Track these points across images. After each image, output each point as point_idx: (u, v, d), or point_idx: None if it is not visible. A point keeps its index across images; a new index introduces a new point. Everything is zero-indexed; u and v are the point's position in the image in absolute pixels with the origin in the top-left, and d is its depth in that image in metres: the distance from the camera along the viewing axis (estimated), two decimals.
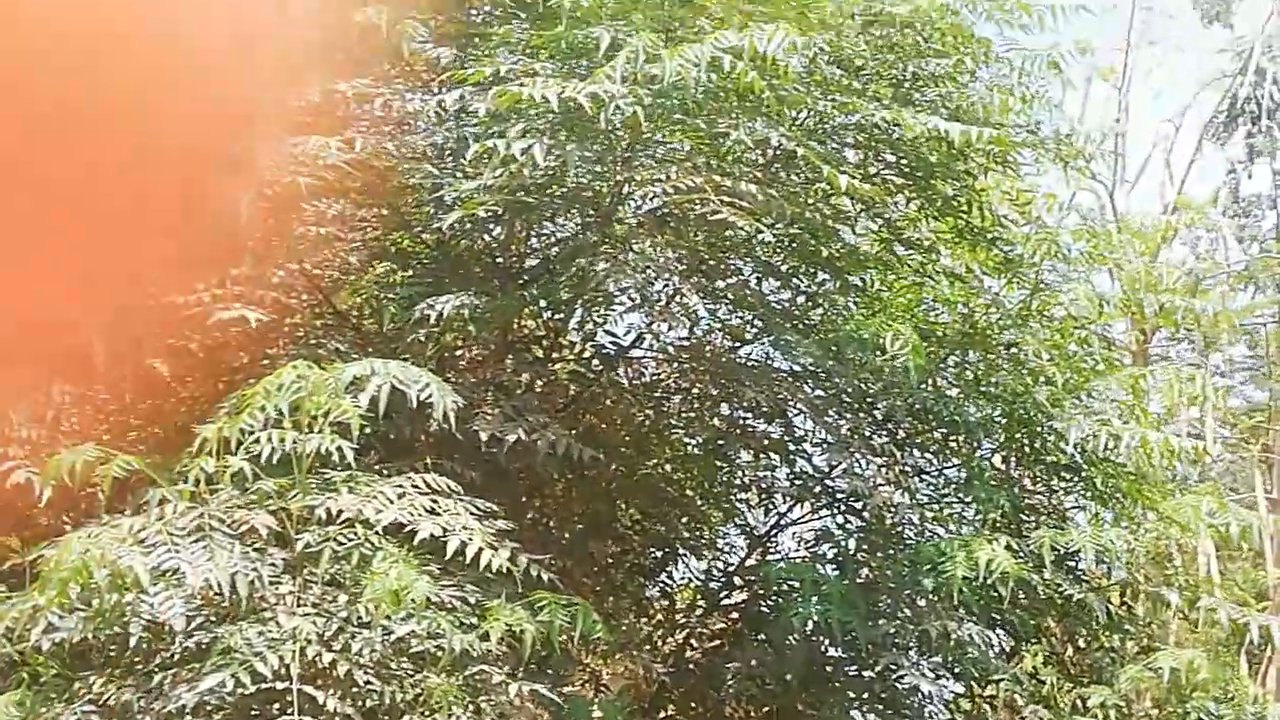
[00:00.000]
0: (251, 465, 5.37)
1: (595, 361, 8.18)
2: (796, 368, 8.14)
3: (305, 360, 5.54)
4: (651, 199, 7.25)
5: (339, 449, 5.37)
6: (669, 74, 6.02)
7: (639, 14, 6.58)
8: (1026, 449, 7.96)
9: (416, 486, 5.61)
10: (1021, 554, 6.78)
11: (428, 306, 6.59)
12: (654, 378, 8.48)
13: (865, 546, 7.64)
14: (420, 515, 5.41)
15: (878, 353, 7.31)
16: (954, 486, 7.96)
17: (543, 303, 7.81)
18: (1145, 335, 15.78)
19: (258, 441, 5.33)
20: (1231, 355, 20.43)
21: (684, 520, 8.44)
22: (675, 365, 8.32)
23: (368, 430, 5.48)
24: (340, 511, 5.40)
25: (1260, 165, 20.41)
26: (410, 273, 7.58)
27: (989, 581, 6.43)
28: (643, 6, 6.73)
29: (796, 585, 7.06)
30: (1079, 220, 9.41)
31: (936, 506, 7.88)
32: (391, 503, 5.46)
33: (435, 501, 5.51)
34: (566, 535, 7.82)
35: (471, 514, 5.60)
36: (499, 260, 7.70)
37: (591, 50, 6.34)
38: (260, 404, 5.28)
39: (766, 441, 8.23)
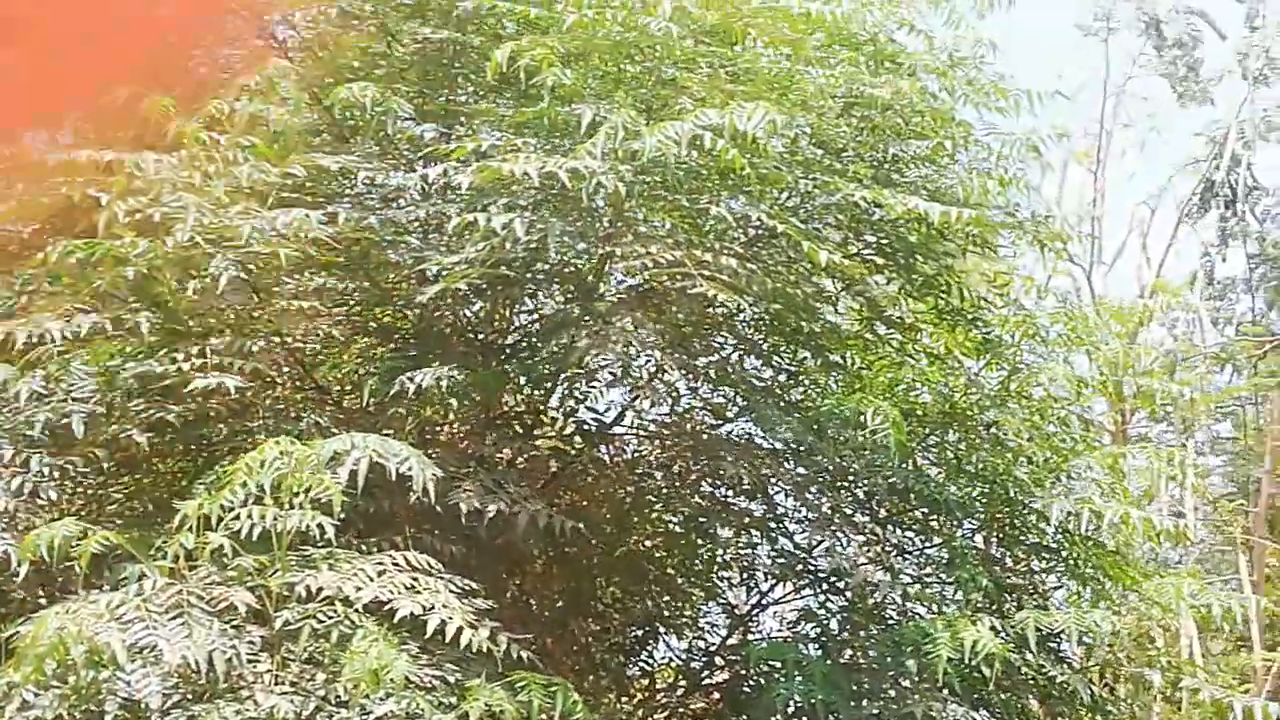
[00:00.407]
0: (231, 541, 5.33)
1: (576, 437, 8.14)
2: (778, 445, 8.13)
3: (287, 435, 5.53)
4: (633, 274, 7.28)
5: (319, 525, 5.34)
6: (650, 150, 6.07)
7: (621, 92, 6.65)
8: (1008, 528, 7.96)
9: (397, 563, 5.57)
10: (1004, 634, 6.73)
11: (408, 380, 6.55)
12: (635, 454, 8.46)
13: (848, 626, 7.60)
14: (400, 593, 5.36)
15: (859, 430, 7.32)
16: (936, 566, 7.93)
17: (524, 378, 7.81)
18: (1124, 416, 15.85)
19: (238, 518, 5.30)
20: (1214, 435, 20.53)
21: (665, 598, 8.39)
22: (657, 442, 8.31)
23: (348, 505, 5.45)
24: (320, 589, 5.35)
25: (1235, 248, 20.69)
26: (392, 347, 7.57)
27: (973, 663, 6.39)
28: (625, 85, 6.80)
29: (779, 665, 7.01)
30: (1057, 302, 9.42)
31: (919, 586, 7.84)
32: (371, 580, 5.42)
33: (415, 579, 5.46)
34: (546, 613, 7.76)
35: (452, 591, 5.56)
36: (481, 335, 7.70)
37: (574, 128, 6.39)
38: (242, 480, 5.25)
39: (748, 519, 8.20)
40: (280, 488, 5.32)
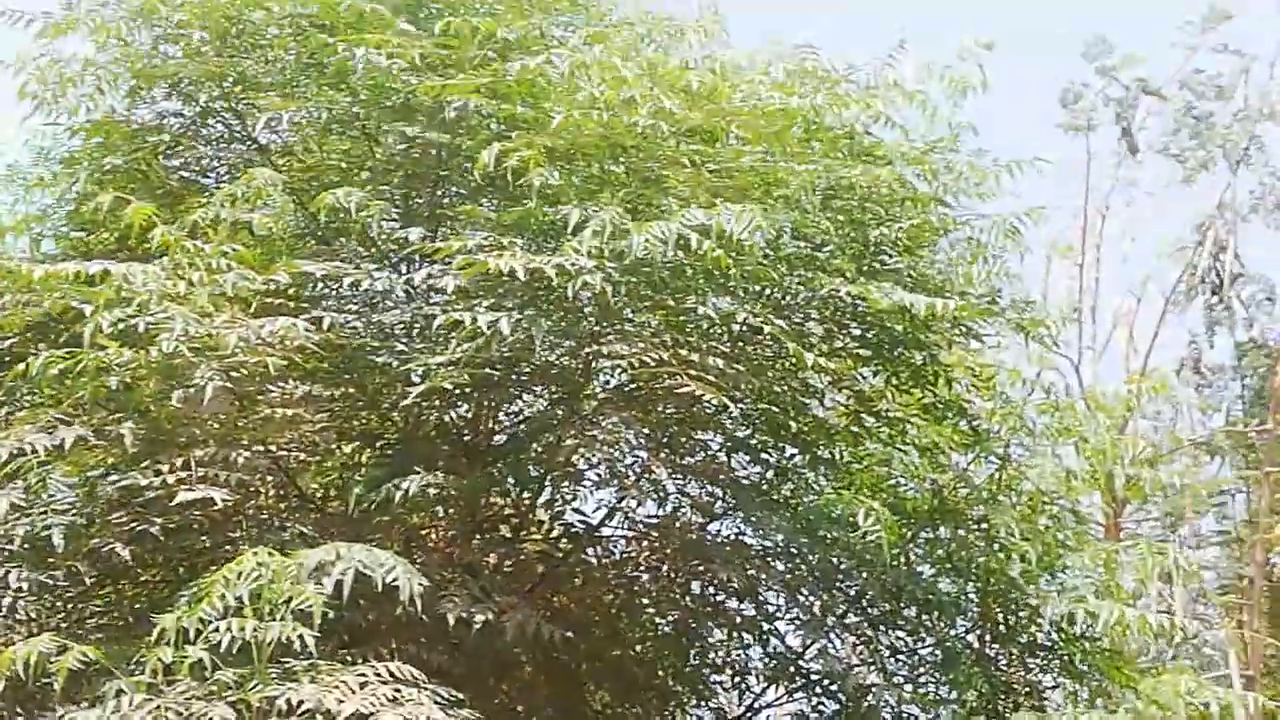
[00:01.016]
0: (211, 655, 5.23)
1: (564, 540, 8.06)
2: (768, 544, 8.05)
3: (267, 546, 5.47)
4: (619, 374, 7.26)
5: (300, 637, 5.25)
6: (636, 249, 6.08)
7: (606, 193, 6.66)
8: (1002, 627, 7.86)
9: (379, 675, 5.46)
10: None
11: (394, 487, 6.49)
12: (624, 556, 8.37)
13: None
14: (383, 705, 5.25)
15: (849, 529, 7.25)
16: (930, 666, 7.82)
17: (511, 480, 7.74)
18: (1116, 509, 15.79)
19: (217, 630, 5.21)
20: (1200, 528, 20.45)
21: (656, 703, 8.24)
22: (645, 543, 8.22)
23: (331, 616, 5.36)
24: (301, 702, 5.24)
25: (1222, 334, 20.75)
26: (377, 453, 7.51)
27: None
28: (610, 185, 6.82)
29: None
30: (1043, 394, 9.39)
31: (913, 688, 7.73)
32: (354, 692, 5.31)
33: (399, 690, 5.36)
34: None
35: (436, 702, 5.45)
36: (467, 438, 7.64)
37: (560, 228, 6.39)
38: (220, 592, 5.17)
39: (739, 620, 8.10)
40: (260, 599, 5.23)
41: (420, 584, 5.56)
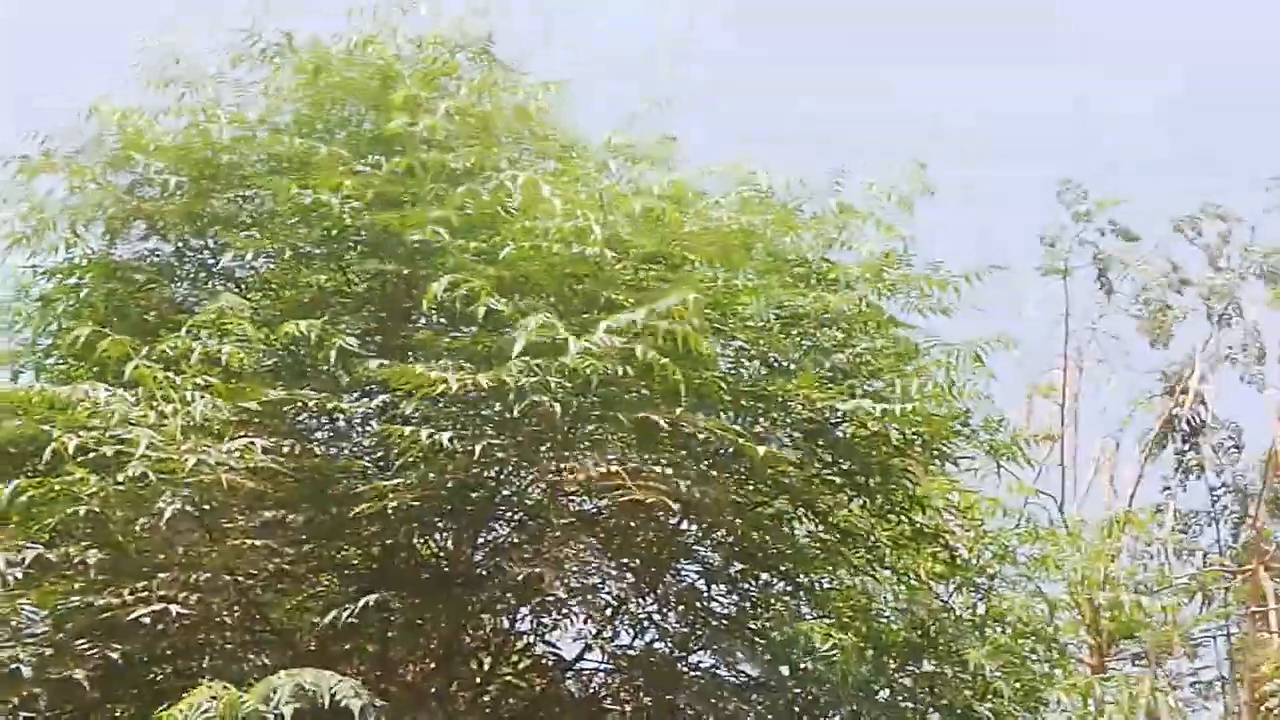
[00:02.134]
0: None
1: (535, 674, 7.95)
2: (744, 676, 7.95)
3: (229, 678, 5.45)
4: (585, 501, 7.26)
5: None
6: (573, 359, 6.14)
7: (558, 318, 6.72)
8: None
9: None
10: None
11: (354, 606, 6.44)
12: (600, 689, 8.25)
13: None
14: None
15: (824, 661, 7.17)
16: None
17: (482, 610, 7.67)
18: (1101, 648, 15.61)
19: None
20: (1179, 670, 20.21)
21: None
22: (621, 675, 8.10)
23: None
24: None
25: (1197, 481, 20.82)
26: (344, 582, 7.45)
27: None
28: (562, 311, 6.89)
29: None
30: (1025, 523, 9.36)
31: None
32: None
33: None
34: None
35: None
36: (442, 567, 7.60)
37: (508, 351, 6.44)
38: None
39: None
40: None
41: (372, 703, 5.50)
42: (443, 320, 7.40)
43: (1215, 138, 24.12)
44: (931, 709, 7.82)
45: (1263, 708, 17.96)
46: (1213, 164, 20.27)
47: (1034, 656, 8.39)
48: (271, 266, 7.97)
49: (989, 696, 7.78)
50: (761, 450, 6.67)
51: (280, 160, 7.79)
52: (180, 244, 8.12)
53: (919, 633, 8.11)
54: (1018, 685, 8.06)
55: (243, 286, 8.07)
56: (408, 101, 7.63)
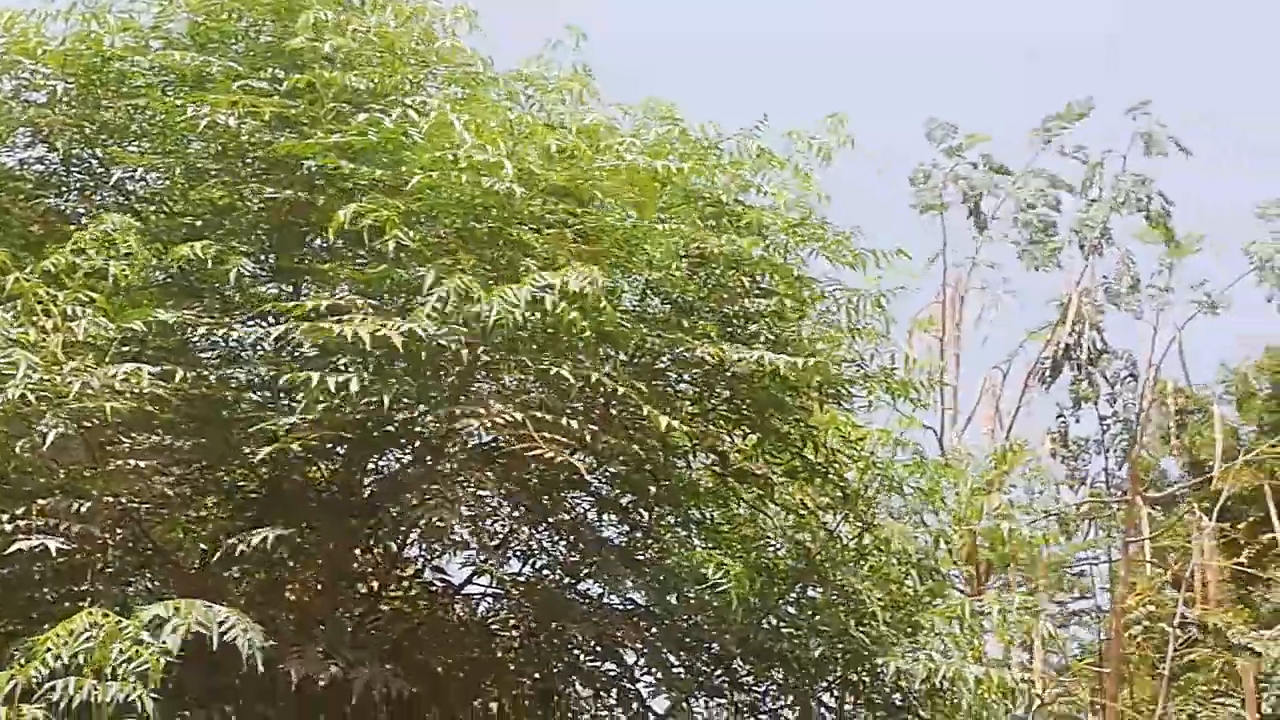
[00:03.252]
0: (47, 714, 5.10)
1: (425, 598, 7.98)
2: (632, 604, 8.05)
3: (113, 601, 5.36)
4: (481, 434, 7.23)
5: (140, 697, 5.14)
6: (492, 313, 6.07)
7: (464, 251, 6.65)
8: (860, 687, 7.91)
9: None
10: None
11: (244, 541, 6.38)
12: (487, 614, 8.31)
13: None
14: None
15: (711, 589, 7.28)
16: None
17: (373, 537, 7.65)
18: (980, 577, 16.03)
19: (54, 689, 5.08)
20: (1062, 599, 20.83)
21: None
22: (509, 602, 8.17)
23: (174, 674, 5.26)
24: None
25: (1088, 410, 21.24)
26: (233, 507, 7.38)
27: None
28: (471, 245, 6.81)
29: None
30: (912, 456, 9.51)
31: None
32: None
33: None
34: None
35: None
36: (332, 493, 7.54)
37: (418, 288, 6.36)
38: (52, 651, 5.06)
39: (602, 680, 8.06)
40: (95, 658, 5.12)
41: (263, 643, 5.47)
42: (342, 247, 7.26)
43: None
44: (812, 634, 7.96)
45: (1131, 634, 18.65)
46: (1147, 100, 20.28)
47: (911, 582, 8.54)
48: (163, 182, 7.74)
49: (867, 621, 7.93)
50: (664, 422, 6.64)
51: (173, 72, 7.55)
52: (68, 154, 7.85)
53: (804, 561, 8.24)
54: (895, 610, 8.23)
55: (132, 199, 7.84)
56: (316, 25, 7.39)
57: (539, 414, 6.49)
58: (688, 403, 7.89)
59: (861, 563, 8.38)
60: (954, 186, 19.54)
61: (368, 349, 6.21)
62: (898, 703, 7.99)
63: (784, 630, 8.06)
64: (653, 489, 8.03)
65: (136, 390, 6.16)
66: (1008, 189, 19.45)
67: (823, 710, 7.86)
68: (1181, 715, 18.70)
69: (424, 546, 8.00)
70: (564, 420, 6.54)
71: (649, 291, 7.76)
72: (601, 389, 7.01)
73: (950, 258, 19.34)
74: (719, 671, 8.02)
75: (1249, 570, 20.66)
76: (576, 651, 8.06)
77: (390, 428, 7.16)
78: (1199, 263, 20.03)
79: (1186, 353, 20.15)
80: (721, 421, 8.07)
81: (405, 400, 6.82)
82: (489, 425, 6.74)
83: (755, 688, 8.15)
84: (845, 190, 8.73)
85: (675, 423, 6.78)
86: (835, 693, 8.13)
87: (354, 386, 6.17)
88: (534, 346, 6.80)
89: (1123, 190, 19.71)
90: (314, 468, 7.55)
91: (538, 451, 6.40)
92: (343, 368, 6.41)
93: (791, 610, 8.30)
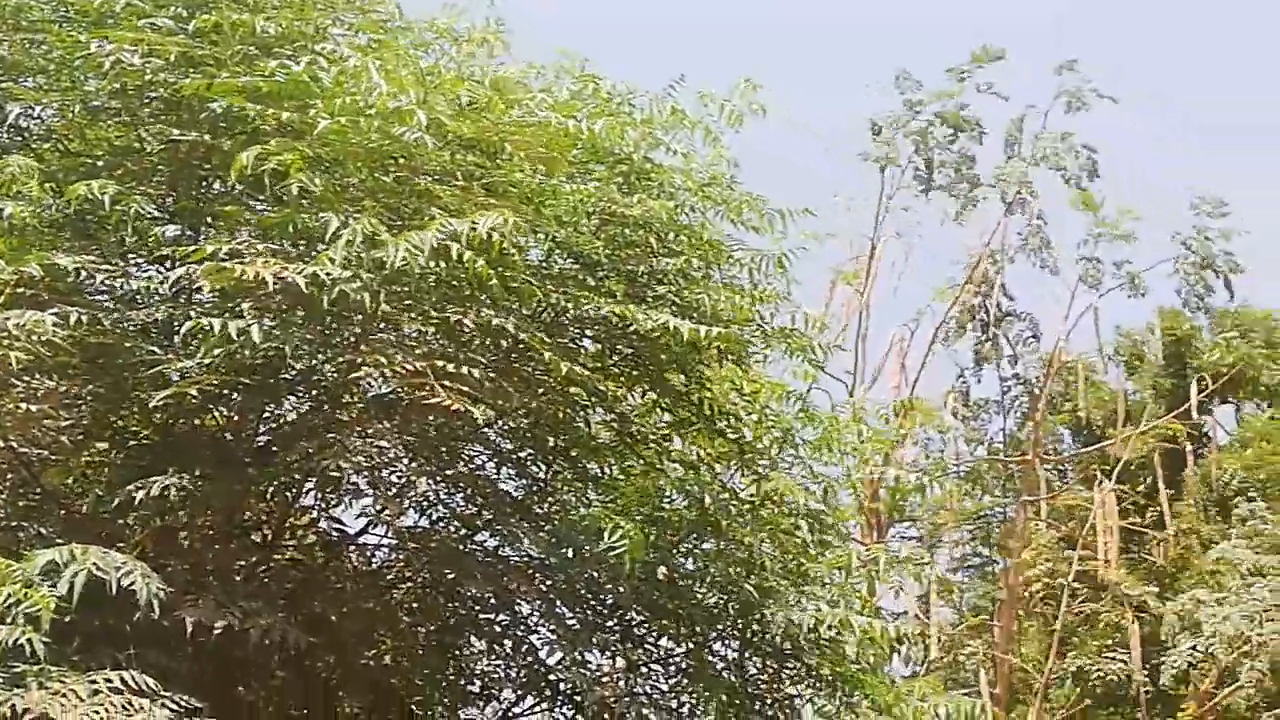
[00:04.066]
0: None
1: (319, 548, 7.97)
2: (528, 557, 8.10)
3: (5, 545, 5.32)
4: (381, 384, 7.21)
5: (30, 641, 5.11)
6: (394, 259, 6.04)
7: (370, 200, 6.61)
8: (751, 637, 8.04)
9: (111, 682, 5.33)
10: None
11: (139, 487, 6.33)
12: (383, 565, 8.32)
13: None
14: (113, 712, 5.13)
15: (604, 544, 7.34)
16: (681, 677, 7.97)
17: (269, 486, 7.62)
18: (878, 530, 16.32)
19: None
20: (963, 554, 21.25)
21: (409, 713, 8.20)
22: (405, 553, 8.18)
23: (66, 620, 5.23)
24: (25, 710, 5.09)
25: (989, 370, 21.60)
26: (127, 453, 7.30)
27: None
28: (378, 194, 6.77)
29: None
30: (805, 408, 9.61)
31: (660, 697, 7.86)
32: (82, 700, 5.18)
33: (130, 700, 5.24)
34: None
35: (173, 710, 5.35)
36: (227, 441, 7.49)
37: (322, 234, 6.32)
38: None
39: (496, 632, 8.12)
40: None
41: (159, 589, 5.45)
42: (246, 191, 7.18)
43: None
44: (705, 586, 8.07)
45: (1025, 591, 19.09)
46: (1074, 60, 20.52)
47: (802, 534, 8.67)
48: (60, 120, 7.58)
49: (757, 572, 8.04)
50: (565, 367, 6.66)
51: (72, 7, 7.38)
52: None
53: (698, 514, 8.33)
54: (786, 561, 8.35)
55: (28, 137, 7.67)
56: None
57: (439, 363, 6.49)
58: (589, 359, 7.93)
59: (754, 515, 8.49)
60: (907, 140, 19.80)
61: (270, 293, 6.18)
62: (787, 650, 8.10)
63: (678, 583, 8.15)
64: (551, 443, 8.06)
65: (32, 335, 6.07)
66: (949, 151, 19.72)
67: (714, 660, 7.96)
68: (1071, 668, 19.20)
69: (321, 496, 7.98)
70: (464, 370, 6.55)
71: (556, 249, 7.76)
72: (504, 341, 7.05)
73: (883, 215, 19.54)
74: (613, 624, 8.10)
75: (1143, 530, 21.24)
76: (472, 604, 8.09)
77: (289, 375, 7.13)
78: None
79: (1105, 322, 20.69)
80: (622, 378, 8.12)
81: (305, 348, 6.79)
82: (389, 375, 6.74)
83: (649, 639, 8.25)
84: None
85: (577, 367, 6.78)
86: (727, 642, 8.25)
87: (255, 334, 6.12)
88: (437, 296, 6.79)
89: (1043, 146, 20.05)
90: (211, 415, 7.49)
91: (436, 400, 6.41)
92: (243, 314, 6.37)
93: (685, 562, 8.37)
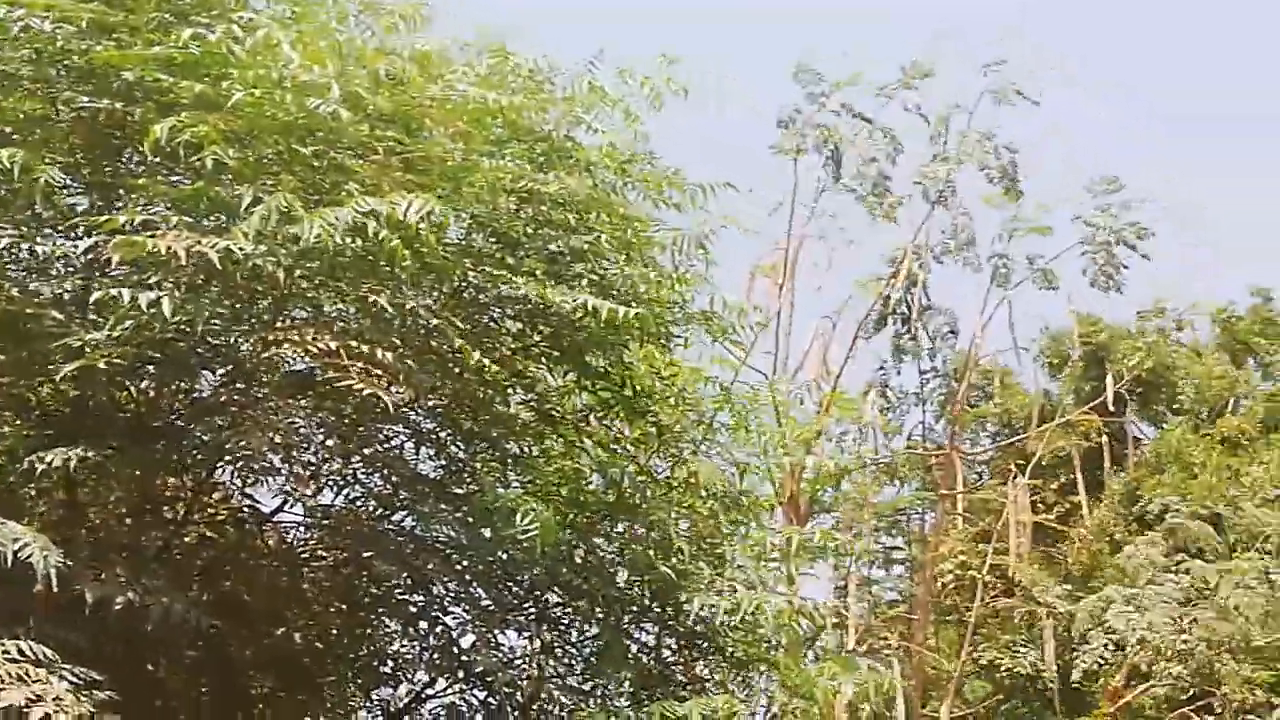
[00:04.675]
0: None
1: (230, 525, 7.87)
2: (445, 538, 8.05)
3: None
4: (297, 361, 7.14)
5: None
6: (309, 235, 5.98)
7: (287, 174, 6.53)
8: (667, 619, 8.06)
9: (8, 653, 5.24)
10: None
11: (42, 458, 6.21)
12: (298, 544, 8.24)
13: None
14: (8, 684, 5.04)
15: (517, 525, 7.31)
16: (591, 657, 7.97)
17: (181, 462, 7.51)
18: (797, 520, 16.39)
19: None
20: (882, 546, 21.41)
21: (321, 692, 8.13)
22: (320, 532, 8.11)
23: None
24: None
25: (909, 364, 21.79)
26: (33, 424, 7.17)
27: None
28: (294, 168, 6.69)
29: None
30: (720, 391, 9.63)
31: (571, 679, 7.86)
32: None
33: (26, 671, 5.15)
34: (186, 710, 7.41)
35: (71, 683, 5.26)
36: (133, 415, 7.37)
37: (235, 208, 6.23)
38: None
39: (410, 613, 8.08)
40: None
41: (59, 563, 5.36)
42: (161, 163, 7.06)
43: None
44: (620, 569, 8.08)
45: (939, 584, 19.31)
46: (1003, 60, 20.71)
47: (718, 517, 8.69)
48: None
49: (673, 555, 8.05)
50: (476, 355, 6.63)
51: None
52: None
53: (615, 496, 8.32)
54: (701, 544, 8.38)
55: None
56: None
57: (354, 343, 6.43)
58: (509, 339, 7.90)
59: (671, 498, 8.51)
60: (815, 133, 19.82)
61: (183, 266, 6.08)
62: (700, 632, 8.13)
63: (592, 564, 8.15)
64: (471, 424, 8.02)
65: None
66: (855, 141, 19.75)
67: (629, 643, 7.97)
68: (982, 661, 19.42)
69: (236, 474, 7.88)
70: (380, 352, 6.49)
71: (475, 226, 7.72)
72: (421, 322, 7.00)
73: (798, 207, 19.59)
74: (529, 606, 8.08)
75: (1057, 527, 21.53)
76: (387, 584, 8.03)
77: (203, 351, 7.04)
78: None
79: (1020, 317, 20.91)
80: (543, 359, 8.10)
81: (218, 322, 6.70)
82: (305, 353, 6.67)
83: (564, 622, 8.24)
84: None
85: (487, 361, 6.77)
86: (641, 625, 8.26)
87: (166, 306, 6.02)
88: (354, 274, 6.72)
89: (968, 145, 20.22)
90: (122, 388, 7.38)
91: (350, 382, 6.35)
92: (154, 286, 6.27)
93: (601, 544, 8.37)
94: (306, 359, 6.86)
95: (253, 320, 6.80)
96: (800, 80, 19.78)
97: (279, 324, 6.72)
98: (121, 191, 7.08)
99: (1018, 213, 20.31)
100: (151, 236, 5.99)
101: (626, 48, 8.35)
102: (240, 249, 5.97)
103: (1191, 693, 17.75)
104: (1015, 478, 20.25)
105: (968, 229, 20.81)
